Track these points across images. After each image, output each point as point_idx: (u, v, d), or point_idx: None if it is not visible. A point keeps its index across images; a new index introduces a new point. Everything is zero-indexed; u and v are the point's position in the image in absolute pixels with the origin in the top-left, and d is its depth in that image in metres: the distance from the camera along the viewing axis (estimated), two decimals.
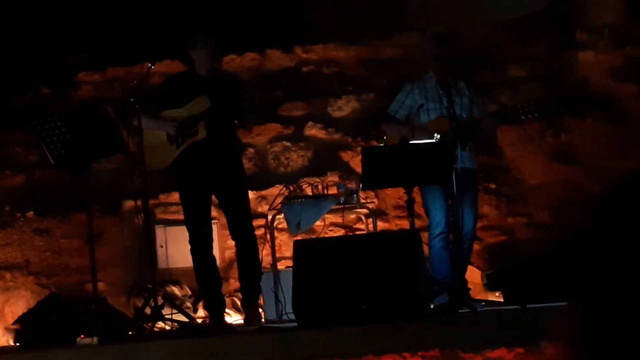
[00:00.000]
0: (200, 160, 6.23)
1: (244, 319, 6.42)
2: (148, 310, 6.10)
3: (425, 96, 6.60)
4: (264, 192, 7.93)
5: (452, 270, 6.39)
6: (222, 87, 6.27)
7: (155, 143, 6.26)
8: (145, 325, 5.96)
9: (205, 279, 6.37)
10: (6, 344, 6.93)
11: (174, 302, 6.83)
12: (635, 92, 7.91)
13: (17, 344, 6.28)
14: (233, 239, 6.38)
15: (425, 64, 6.73)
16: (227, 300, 7.00)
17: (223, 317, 6.43)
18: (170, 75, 6.68)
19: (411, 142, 6.08)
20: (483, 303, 6.37)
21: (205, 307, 6.47)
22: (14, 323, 6.49)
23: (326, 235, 7.51)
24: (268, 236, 6.94)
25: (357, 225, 7.82)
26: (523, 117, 6.41)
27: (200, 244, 6.31)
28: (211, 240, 6.36)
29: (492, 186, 7.94)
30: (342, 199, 6.91)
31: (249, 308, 6.37)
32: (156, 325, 6.02)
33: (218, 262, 6.89)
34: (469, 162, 6.53)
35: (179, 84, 6.36)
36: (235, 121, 6.40)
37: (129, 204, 7.79)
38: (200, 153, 6.22)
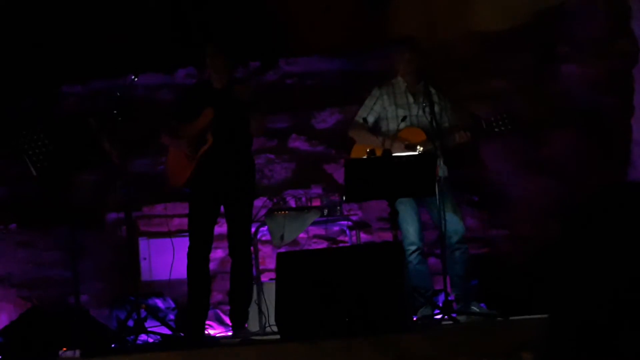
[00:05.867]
0: (213, 170, 6.19)
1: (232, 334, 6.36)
2: (131, 323, 6.07)
3: (394, 102, 6.60)
4: None
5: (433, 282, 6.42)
6: (231, 99, 6.23)
7: (177, 160, 6.28)
8: (127, 338, 5.94)
9: (198, 289, 6.27)
10: None
11: (157, 315, 6.80)
12: (617, 105, 7.95)
13: None
14: (230, 254, 6.30)
15: (396, 69, 6.71)
16: (211, 312, 6.96)
17: (203, 330, 6.37)
18: (187, 87, 6.60)
19: (394, 154, 6.09)
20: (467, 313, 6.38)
21: (187, 318, 6.39)
22: None
23: (310, 248, 7.51)
24: (252, 248, 6.93)
25: (341, 237, 7.83)
26: (496, 130, 6.42)
27: (199, 255, 6.22)
28: (209, 252, 6.28)
29: (475, 199, 7.96)
30: (325, 211, 6.92)
31: (238, 329, 6.29)
32: (139, 338, 5.99)
33: None
34: (441, 171, 6.47)
35: (194, 97, 6.36)
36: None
37: (112, 216, 7.77)
38: (212, 162, 6.18)
